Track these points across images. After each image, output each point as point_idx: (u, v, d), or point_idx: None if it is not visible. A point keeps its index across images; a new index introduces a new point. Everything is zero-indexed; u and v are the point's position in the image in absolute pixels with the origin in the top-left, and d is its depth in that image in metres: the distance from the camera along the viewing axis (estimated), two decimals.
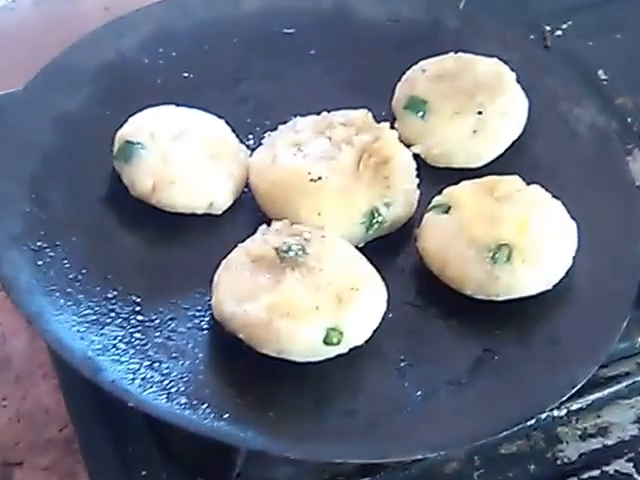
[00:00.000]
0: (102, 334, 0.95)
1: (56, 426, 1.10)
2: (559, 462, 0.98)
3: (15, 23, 1.36)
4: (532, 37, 1.31)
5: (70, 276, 0.99)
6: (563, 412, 1.01)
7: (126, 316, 0.97)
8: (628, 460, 0.97)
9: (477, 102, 1.14)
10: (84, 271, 1.00)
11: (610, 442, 0.99)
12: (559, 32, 1.34)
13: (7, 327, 1.19)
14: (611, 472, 0.97)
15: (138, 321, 0.97)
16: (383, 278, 0.99)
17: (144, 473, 0.95)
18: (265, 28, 1.23)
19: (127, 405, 0.88)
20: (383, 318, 0.97)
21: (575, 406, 1.01)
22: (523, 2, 1.38)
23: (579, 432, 1.00)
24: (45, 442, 1.09)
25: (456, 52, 1.18)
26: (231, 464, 0.93)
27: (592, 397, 1.02)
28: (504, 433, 0.94)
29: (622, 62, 1.33)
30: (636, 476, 0.97)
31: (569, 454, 0.98)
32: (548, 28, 1.35)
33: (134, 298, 0.99)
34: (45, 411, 1.12)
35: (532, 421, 0.97)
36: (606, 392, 1.03)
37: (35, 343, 1.16)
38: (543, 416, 0.99)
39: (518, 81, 1.16)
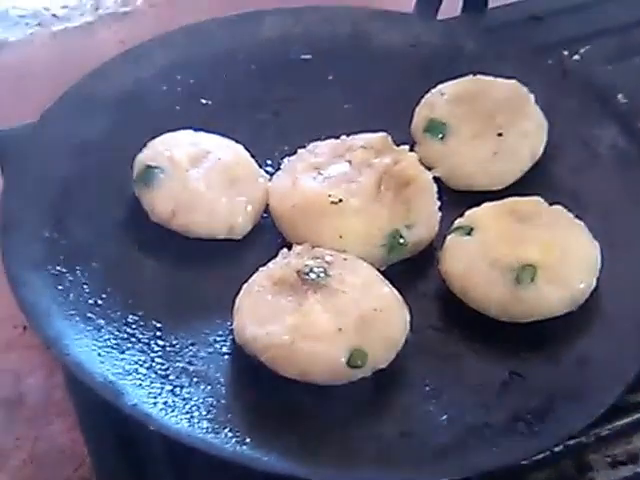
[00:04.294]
0: (123, 359, 0.94)
1: (71, 466, 1.09)
2: None
3: (33, 55, 1.37)
4: (550, 61, 1.28)
5: (90, 301, 0.98)
6: (592, 438, 0.98)
7: (147, 341, 0.97)
8: None
9: (497, 124, 1.13)
10: (104, 296, 0.99)
11: None
12: (577, 57, 1.32)
13: (21, 365, 1.18)
14: None
15: (159, 346, 0.96)
16: (406, 301, 0.98)
17: None
18: (283, 54, 1.23)
19: (149, 429, 0.87)
20: (406, 341, 0.96)
21: (604, 432, 0.98)
22: (540, 27, 1.35)
23: (609, 459, 0.98)
24: None
25: (474, 75, 1.18)
26: None
27: (621, 423, 0.99)
28: (533, 458, 0.93)
29: None
30: None
31: None
32: (566, 53, 1.32)
33: (155, 323, 0.98)
34: (60, 451, 1.10)
35: (560, 446, 0.95)
36: (635, 417, 1.00)
37: (49, 381, 1.16)
38: (572, 442, 0.96)
39: (537, 103, 1.15)
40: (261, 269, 0.98)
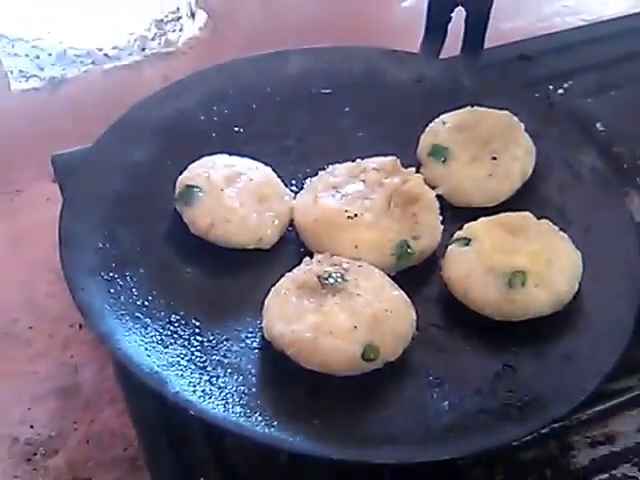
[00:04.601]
0: (166, 352, 0.94)
1: (121, 446, 1.09)
2: (572, 467, 0.96)
3: (88, 89, 1.38)
4: (537, 95, 1.29)
5: (138, 302, 0.99)
6: (574, 422, 0.99)
7: (187, 337, 0.97)
8: (634, 465, 0.95)
9: (491, 149, 1.13)
10: (150, 298, 0.99)
11: (617, 449, 0.97)
12: (561, 91, 1.33)
13: (78, 359, 1.18)
14: (619, 475, 0.95)
15: (197, 341, 0.97)
16: (412, 303, 0.99)
17: None
18: (305, 88, 1.23)
19: (189, 414, 0.87)
20: (413, 337, 0.97)
21: (585, 417, 1.00)
22: (531, 64, 1.36)
23: (589, 440, 0.98)
24: (111, 460, 1.08)
25: (472, 106, 1.18)
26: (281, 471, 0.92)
27: (600, 408, 1.00)
28: (522, 440, 0.94)
29: (617, 116, 1.32)
30: None
31: (581, 460, 0.96)
32: (551, 87, 1.33)
33: (194, 321, 0.99)
34: (111, 433, 1.11)
35: (546, 429, 0.96)
36: (612, 404, 1.01)
37: (102, 373, 1.16)
38: (557, 425, 0.97)
39: (526, 131, 1.15)
40: (287, 275, 0.99)
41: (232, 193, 1.06)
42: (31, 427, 1.11)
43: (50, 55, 1.35)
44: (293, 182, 1.13)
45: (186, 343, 0.96)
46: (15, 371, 1.17)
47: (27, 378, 1.16)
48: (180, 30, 1.42)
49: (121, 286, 0.99)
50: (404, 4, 1.41)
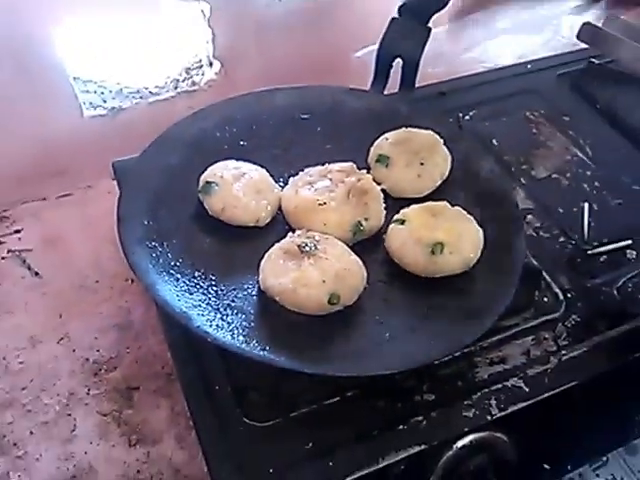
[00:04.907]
0: (191, 298, 0.93)
1: (160, 364, 1.09)
2: (476, 380, 0.95)
3: (137, 116, 1.38)
4: (451, 119, 1.28)
5: (171, 263, 0.97)
6: (478, 347, 0.99)
7: (206, 287, 0.96)
8: (519, 378, 0.95)
9: (420, 157, 1.12)
10: (180, 260, 0.98)
11: (507, 367, 0.97)
12: (467, 117, 1.33)
13: (131, 303, 1.17)
14: (509, 386, 0.94)
15: (213, 290, 0.96)
16: (364, 264, 0.98)
17: (217, 387, 0.92)
18: (290, 114, 1.21)
19: (207, 341, 0.87)
20: (364, 289, 0.96)
21: (485, 344, 0.99)
22: (446, 98, 1.36)
23: (488, 360, 0.97)
24: (153, 374, 1.08)
25: (407, 127, 1.16)
26: (271, 382, 0.92)
27: (495, 338, 1.00)
28: (440, 359, 0.94)
29: (506, 135, 1.32)
30: (524, 387, 0.94)
31: (482, 374, 0.96)
32: (461, 114, 1.32)
33: (211, 276, 0.97)
34: (153, 355, 1.10)
35: (457, 352, 0.96)
36: (504, 335, 1.00)
37: (147, 313, 1.15)
38: (465, 350, 0.97)
39: (445, 144, 1.14)
40: (276, 244, 0.98)
41: (238, 187, 1.04)
42: (97, 351, 1.11)
43: (111, 92, 1.34)
44: (281, 179, 1.11)
45: (205, 291, 0.95)
46: (87, 312, 1.16)
47: (95, 317, 1.15)
48: (202, 75, 1.41)
49: (160, 251, 0.98)
50: (358, 54, 1.40)
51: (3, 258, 1.24)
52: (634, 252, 1.12)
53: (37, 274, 1.22)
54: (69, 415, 1.03)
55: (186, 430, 1.02)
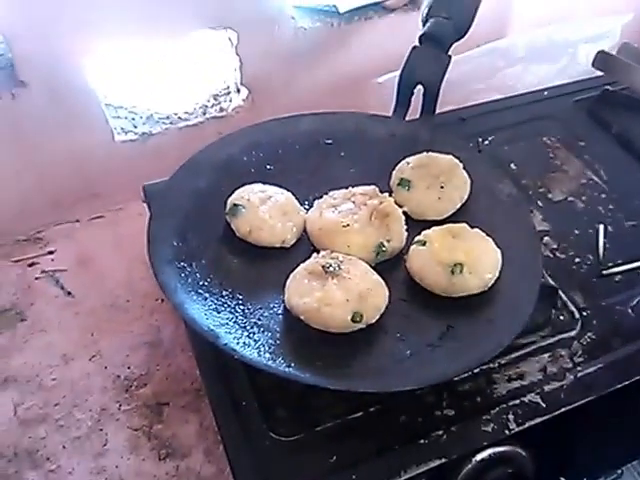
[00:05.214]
0: (219, 317, 0.94)
1: (189, 381, 1.11)
2: (494, 396, 0.96)
3: (167, 141, 1.41)
4: (471, 144, 1.29)
5: (200, 282, 0.99)
6: (496, 365, 1.00)
7: (233, 306, 0.97)
8: (536, 394, 0.96)
9: (440, 181, 1.13)
10: (208, 280, 0.99)
11: (525, 383, 0.98)
12: (487, 142, 1.34)
13: (161, 322, 1.20)
14: (526, 401, 0.95)
15: (240, 309, 0.97)
16: (386, 284, 0.99)
17: (244, 403, 0.94)
18: (314, 140, 1.22)
19: (234, 358, 0.88)
20: (386, 308, 0.97)
21: (503, 361, 1.00)
22: (466, 124, 1.38)
23: (506, 377, 0.99)
24: (182, 391, 1.10)
25: (427, 152, 1.18)
26: (296, 397, 0.93)
27: (513, 355, 1.01)
28: (459, 376, 0.96)
29: (524, 159, 1.33)
30: (541, 403, 0.95)
31: (500, 390, 0.97)
32: (480, 139, 1.34)
33: (238, 296, 0.99)
34: (183, 372, 1.12)
35: (476, 369, 0.97)
36: (521, 352, 1.01)
37: (177, 331, 1.18)
38: (484, 367, 0.98)
39: (464, 169, 1.16)
40: (301, 265, 0.99)
41: (264, 209, 1.06)
42: (128, 368, 1.13)
43: (142, 117, 1.36)
44: (306, 202, 1.13)
45: (232, 310, 0.96)
46: (118, 330, 1.18)
47: (126, 335, 1.18)
48: (230, 101, 1.43)
49: (189, 271, 0.99)
50: (379, 80, 1.42)
51: (37, 278, 1.26)
52: None
53: (70, 294, 1.24)
54: (101, 430, 1.06)
55: (214, 444, 1.04)
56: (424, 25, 1.24)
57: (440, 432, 0.92)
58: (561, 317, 1.06)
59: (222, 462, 1.01)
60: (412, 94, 1.25)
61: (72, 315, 1.21)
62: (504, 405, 0.95)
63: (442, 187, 1.12)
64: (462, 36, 1.25)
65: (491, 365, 0.99)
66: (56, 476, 1.01)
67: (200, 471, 1.02)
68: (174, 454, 1.03)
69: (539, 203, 1.24)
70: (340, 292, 0.93)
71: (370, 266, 1.01)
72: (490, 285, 1.01)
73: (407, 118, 1.26)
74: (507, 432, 0.92)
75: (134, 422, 1.06)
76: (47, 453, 1.03)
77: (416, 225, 1.09)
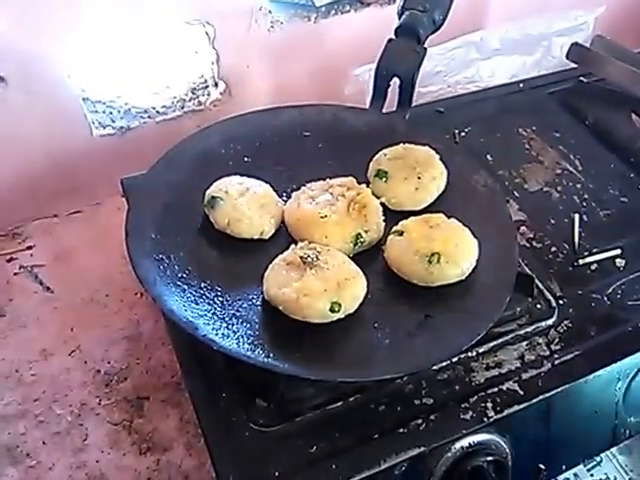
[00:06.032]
0: (198, 308, 0.93)
1: (169, 375, 1.10)
2: (473, 384, 0.96)
3: (144, 135, 1.40)
4: (447, 136, 1.30)
5: (179, 275, 0.97)
6: (474, 353, 1.00)
7: (212, 298, 0.96)
8: (514, 382, 0.96)
9: (417, 172, 1.12)
10: (187, 272, 0.98)
11: (503, 371, 0.98)
12: (463, 133, 1.34)
13: (140, 315, 1.18)
14: (504, 389, 0.95)
15: (219, 300, 0.96)
16: (364, 274, 0.98)
17: (224, 395, 0.93)
18: (292, 131, 1.21)
19: (213, 349, 0.87)
20: (365, 298, 0.96)
21: (481, 349, 1.00)
22: (442, 116, 1.38)
23: (484, 365, 0.98)
24: (163, 384, 1.09)
25: (404, 143, 1.17)
26: (276, 388, 0.91)
27: (491, 344, 1.01)
28: (438, 365, 0.96)
29: (500, 151, 1.33)
30: (519, 391, 0.95)
31: (478, 379, 0.97)
32: (457, 131, 1.34)
33: (217, 287, 0.97)
34: (163, 365, 1.11)
35: (454, 358, 0.98)
36: (499, 341, 1.01)
37: (156, 324, 1.16)
38: (462, 355, 0.98)
39: (441, 160, 1.15)
40: (279, 256, 0.98)
41: (242, 201, 1.04)
42: (108, 362, 1.12)
43: (119, 112, 1.34)
44: (284, 194, 1.12)
45: (211, 302, 0.95)
46: (98, 325, 1.17)
47: (106, 329, 1.16)
48: (208, 95, 1.42)
49: (167, 264, 0.98)
50: (356, 72, 1.41)
51: (15, 274, 1.25)
52: (623, 261, 1.13)
53: (49, 289, 1.23)
54: (81, 425, 1.04)
55: (195, 438, 1.03)
56: (400, 18, 1.23)
57: (419, 421, 0.91)
58: (538, 306, 1.06)
59: (203, 455, 1.00)
60: (388, 86, 1.24)
61: (51, 310, 1.19)
62: (482, 393, 0.94)
63: (419, 178, 1.11)
64: (437, 28, 1.24)
65: (469, 354, 0.99)
66: (36, 472, 0.99)
67: (181, 465, 1.00)
68: (155, 448, 1.02)
69: (515, 193, 1.24)
70: (318, 282, 0.92)
71: (348, 256, 1.00)
72: (467, 274, 1.00)
73: (384, 110, 1.25)
74: (486, 420, 0.91)
75: (114, 417, 1.05)
76: (27, 449, 1.02)
77: (393, 216, 1.08)
